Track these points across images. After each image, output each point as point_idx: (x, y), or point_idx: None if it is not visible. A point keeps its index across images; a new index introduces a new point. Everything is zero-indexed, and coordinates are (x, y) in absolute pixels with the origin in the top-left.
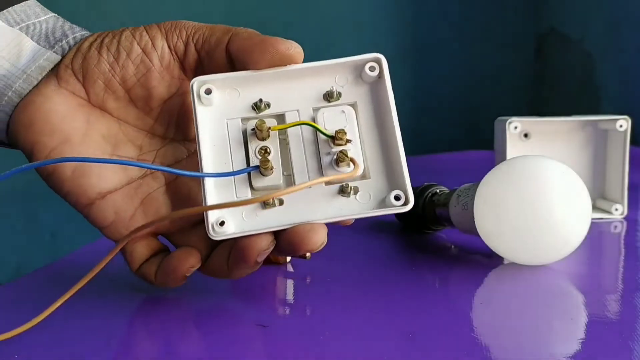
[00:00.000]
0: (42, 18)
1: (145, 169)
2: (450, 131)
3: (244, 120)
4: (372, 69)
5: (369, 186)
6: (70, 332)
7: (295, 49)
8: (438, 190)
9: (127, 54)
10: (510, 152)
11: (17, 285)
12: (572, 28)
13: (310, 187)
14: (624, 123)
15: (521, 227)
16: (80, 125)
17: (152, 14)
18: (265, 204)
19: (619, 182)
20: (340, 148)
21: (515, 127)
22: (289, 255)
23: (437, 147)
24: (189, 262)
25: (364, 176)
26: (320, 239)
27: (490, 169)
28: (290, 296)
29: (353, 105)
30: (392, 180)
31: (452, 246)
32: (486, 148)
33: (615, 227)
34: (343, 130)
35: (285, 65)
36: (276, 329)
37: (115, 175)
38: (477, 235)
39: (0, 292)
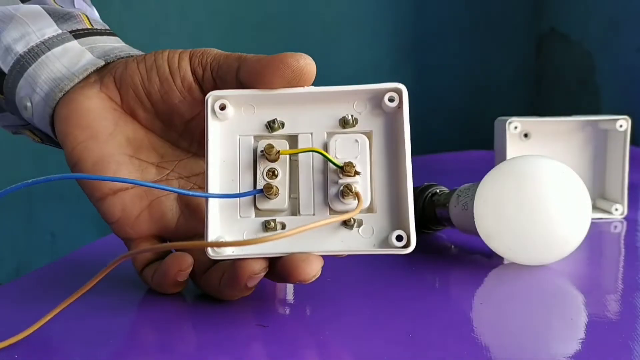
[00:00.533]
0: (113, 44)
1: (162, 175)
2: (451, 131)
3: (257, 138)
4: (391, 99)
5: (373, 221)
6: (70, 332)
7: (305, 60)
8: (438, 190)
9: (157, 70)
10: (510, 152)
11: (17, 285)
12: (572, 28)
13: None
14: (624, 123)
15: (521, 227)
16: (109, 124)
17: (153, 14)
18: (266, 228)
19: (619, 182)
20: (348, 180)
21: (515, 127)
22: (283, 282)
23: (437, 147)
24: (179, 265)
25: (370, 209)
26: (312, 271)
27: (490, 169)
28: (290, 296)
29: (368, 134)
30: (396, 218)
31: (452, 246)
32: (486, 148)
33: (615, 227)
34: (352, 163)
35: (300, 80)
36: (276, 329)
37: (129, 175)
38: (477, 235)
39: (0, 292)
